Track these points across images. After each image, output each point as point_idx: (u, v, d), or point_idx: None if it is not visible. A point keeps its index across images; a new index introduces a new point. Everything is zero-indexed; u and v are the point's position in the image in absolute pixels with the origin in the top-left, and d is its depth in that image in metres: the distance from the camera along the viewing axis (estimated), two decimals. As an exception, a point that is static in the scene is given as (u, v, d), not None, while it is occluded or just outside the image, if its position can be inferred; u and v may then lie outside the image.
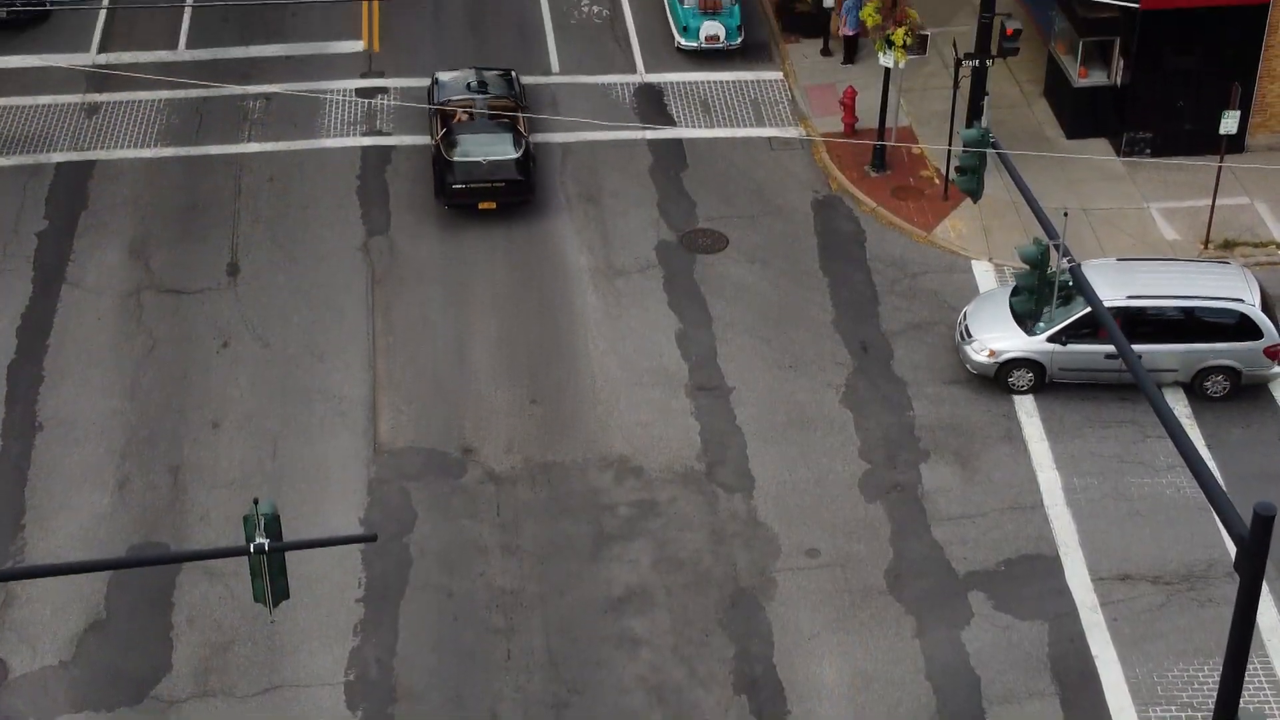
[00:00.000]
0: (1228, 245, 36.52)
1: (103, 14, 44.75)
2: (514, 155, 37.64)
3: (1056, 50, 40.45)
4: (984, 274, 36.15)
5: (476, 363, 33.91)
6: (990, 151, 28.05)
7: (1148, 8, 37.17)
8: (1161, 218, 37.44)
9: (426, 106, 40.35)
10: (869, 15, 37.75)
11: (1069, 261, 25.57)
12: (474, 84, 39.93)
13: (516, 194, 37.68)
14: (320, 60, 43.19)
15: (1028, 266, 25.84)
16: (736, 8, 43.20)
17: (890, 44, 37.27)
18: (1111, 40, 38.92)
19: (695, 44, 42.93)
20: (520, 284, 36.00)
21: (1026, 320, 32.43)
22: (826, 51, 43.24)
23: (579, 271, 36.31)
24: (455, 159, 37.51)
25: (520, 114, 39.27)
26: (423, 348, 34.29)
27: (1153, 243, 36.68)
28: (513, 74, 40.99)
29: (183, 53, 43.51)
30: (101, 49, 43.51)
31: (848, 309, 35.25)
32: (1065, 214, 28.61)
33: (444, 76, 40.66)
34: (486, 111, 38.76)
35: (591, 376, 33.57)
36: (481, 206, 37.65)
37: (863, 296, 35.59)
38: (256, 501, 20.64)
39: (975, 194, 28.23)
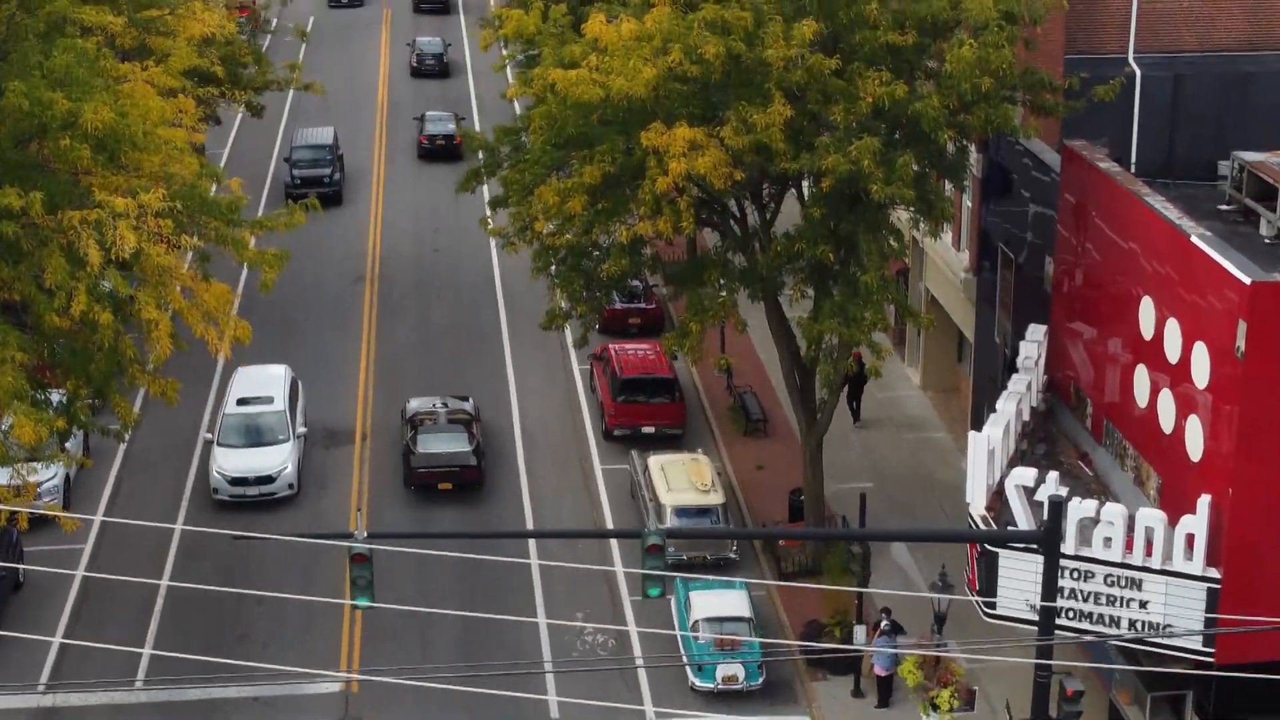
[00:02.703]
0: None
1: (55, 646, 40.50)
2: (468, 448, 47.40)
3: (1119, 698, 35.86)
4: None
5: None
6: None
7: (1224, 662, 32.73)
8: None
9: None
10: (909, 673, 33.51)
11: None
12: (438, 404, 49.62)
13: (469, 478, 47.47)
14: (291, 704, 38.64)
15: None
16: (756, 644, 38.95)
17: (934, 707, 32.79)
18: (1183, 694, 34.39)
19: (711, 685, 38.49)
20: None
21: None
22: (858, 692, 38.68)
23: None
24: (419, 450, 47.36)
25: (475, 420, 49.21)
26: None
27: None
28: (470, 399, 50.86)
29: (138, 691, 39.03)
30: (50, 688, 39.04)
31: None
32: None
33: (413, 403, 50.09)
34: (445, 415, 48.89)
35: None
36: (441, 487, 47.20)
37: None
38: None
39: None
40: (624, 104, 37.03)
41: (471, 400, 51.04)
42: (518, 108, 59.24)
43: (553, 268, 42.97)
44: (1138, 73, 43.50)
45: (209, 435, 49.09)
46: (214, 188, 35.29)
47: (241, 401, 49.29)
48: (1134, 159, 43.83)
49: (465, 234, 65.58)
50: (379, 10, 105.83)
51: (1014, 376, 38.86)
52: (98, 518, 43.68)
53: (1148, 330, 34.58)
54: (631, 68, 36.67)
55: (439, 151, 75.76)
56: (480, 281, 63.06)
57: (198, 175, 34.48)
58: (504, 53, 52.95)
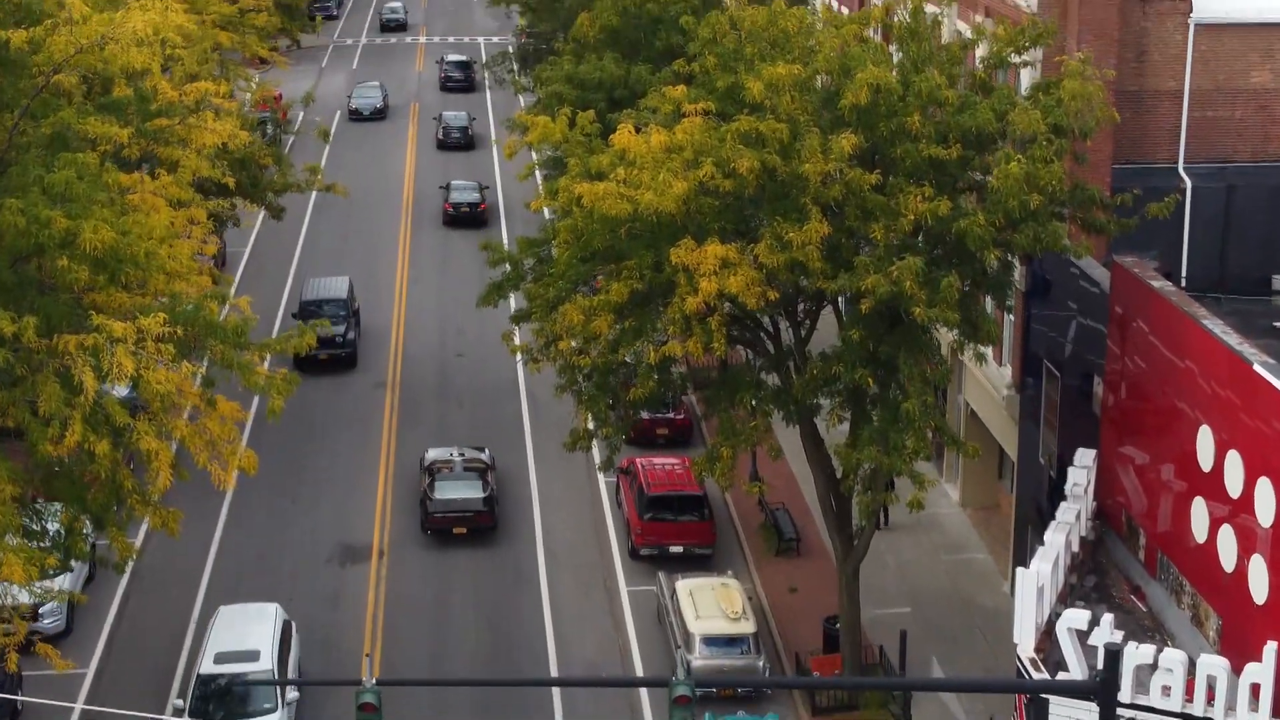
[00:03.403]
0: None
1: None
2: (481, 495, 49.73)
3: None
4: None
5: None
6: None
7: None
8: None
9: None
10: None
11: None
12: (454, 453, 51.89)
13: (482, 522, 49.67)
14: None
15: None
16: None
17: None
18: None
19: (741, 830, 36.40)
20: None
21: None
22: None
23: None
24: (436, 495, 49.63)
25: (490, 469, 51.54)
26: None
27: None
28: (486, 449, 53.39)
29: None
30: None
31: None
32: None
33: (431, 452, 52.23)
34: (462, 463, 51.14)
35: None
36: (455, 531, 49.45)
37: None
38: None
39: None
40: (653, 219, 35.30)
41: (487, 450, 53.36)
42: (546, 213, 57.68)
43: (579, 384, 41.10)
44: (1189, 183, 41.83)
45: (179, 701, 39.60)
46: (223, 310, 33.62)
47: (220, 658, 39.95)
48: (1185, 272, 42.05)
49: (488, 329, 63.84)
50: (406, 111, 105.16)
51: (1062, 505, 36.87)
52: (88, 698, 41.70)
53: (1206, 461, 32.63)
54: (661, 181, 34.94)
55: (463, 218, 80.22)
56: (504, 386, 61.24)
57: (205, 296, 32.79)
58: (531, 159, 51.32)
